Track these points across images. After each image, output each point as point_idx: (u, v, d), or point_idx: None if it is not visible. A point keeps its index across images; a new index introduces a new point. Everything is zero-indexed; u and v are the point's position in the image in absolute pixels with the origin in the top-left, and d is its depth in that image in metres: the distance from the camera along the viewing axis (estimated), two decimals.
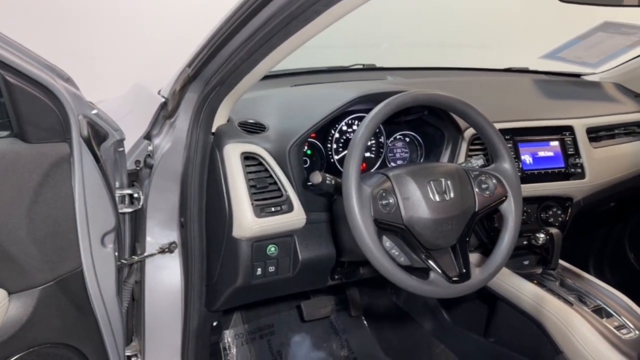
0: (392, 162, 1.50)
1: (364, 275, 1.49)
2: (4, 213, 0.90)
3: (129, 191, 1.24)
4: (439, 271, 1.11)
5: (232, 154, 1.20)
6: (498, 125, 1.27)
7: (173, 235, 1.31)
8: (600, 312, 1.35)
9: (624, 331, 1.29)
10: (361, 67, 1.95)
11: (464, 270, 1.14)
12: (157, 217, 1.29)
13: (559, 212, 1.58)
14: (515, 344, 1.49)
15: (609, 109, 1.77)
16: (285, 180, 1.24)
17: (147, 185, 1.26)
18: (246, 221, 1.17)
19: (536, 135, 1.56)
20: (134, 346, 1.38)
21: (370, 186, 1.09)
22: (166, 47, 1.86)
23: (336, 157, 1.41)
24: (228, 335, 1.77)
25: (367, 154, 1.47)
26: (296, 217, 1.23)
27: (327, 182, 1.14)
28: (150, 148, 1.28)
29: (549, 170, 1.55)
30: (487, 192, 1.19)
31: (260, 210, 1.19)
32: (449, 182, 1.15)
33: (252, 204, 1.18)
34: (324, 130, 1.37)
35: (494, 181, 1.20)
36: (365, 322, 1.92)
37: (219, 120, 1.24)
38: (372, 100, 1.30)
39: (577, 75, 2.14)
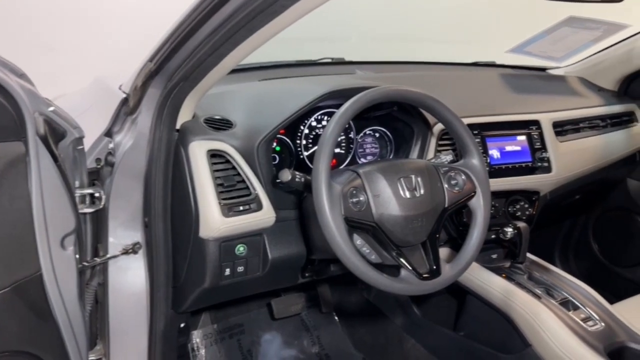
0: (362, 157, 1.48)
1: (334, 273, 1.47)
2: None
3: (90, 191, 1.19)
4: (410, 268, 1.10)
5: (198, 151, 1.17)
6: (466, 120, 1.27)
7: (137, 236, 1.27)
8: (567, 304, 1.37)
9: (590, 323, 1.31)
10: (330, 60, 1.92)
11: (434, 267, 1.14)
12: (120, 217, 1.25)
13: (526, 206, 1.59)
14: (484, 338, 1.50)
15: (574, 103, 1.80)
16: (253, 178, 1.21)
17: (109, 184, 1.21)
18: (213, 221, 1.14)
19: (503, 129, 1.57)
20: (98, 350, 1.34)
21: (340, 184, 1.07)
22: (128, 39, 1.79)
23: (306, 154, 1.39)
24: (196, 336, 1.73)
25: (337, 150, 1.45)
26: (265, 216, 1.20)
27: (297, 179, 1.12)
28: (111, 146, 1.23)
29: (516, 165, 1.56)
30: (457, 188, 1.19)
31: (228, 210, 1.16)
32: (419, 179, 1.14)
33: (220, 203, 1.15)
34: (293, 126, 1.35)
35: (463, 177, 1.20)
36: (336, 319, 1.91)
37: (184, 116, 1.20)
38: (342, 95, 1.28)
39: (543, 69, 2.17)
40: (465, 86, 1.80)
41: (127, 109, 1.22)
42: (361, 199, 1.08)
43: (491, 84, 1.85)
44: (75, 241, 1.08)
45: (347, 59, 1.97)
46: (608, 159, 1.81)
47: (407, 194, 1.11)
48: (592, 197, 2.08)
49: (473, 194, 1.20)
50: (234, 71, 1.58)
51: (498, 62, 2.19)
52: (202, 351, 1.71)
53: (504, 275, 1.47)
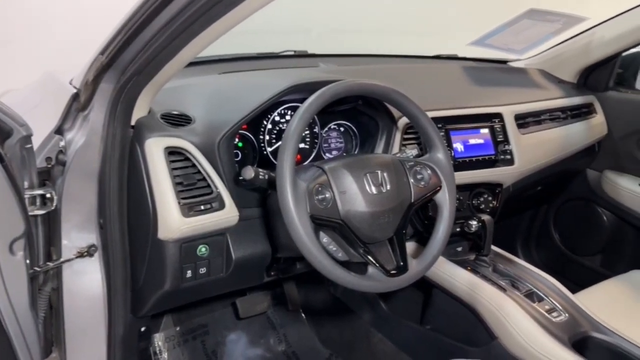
0: (327, 152, 1.46)
1: (300, 270, 1.44)
2: None
3: (40, 191, 1.12)
4: (377, 265, 1.08)
5: (155, 149, 1.11)
6: (430, 114, 1.26)
7: (92, 238, 1.21)
8: (531, 296, 1.38)
9: (554, 314, 1.33)
10: (292, 53, 1.89)
11: (402, 263, 1.13)
12: (74, 219, 1.18)
13: (490, 198, 1.60)
14: (450, 331, 1.50)
15: (535, 95, 1.81)
16: (215, 175, 1.16)
17: (61, 185, 1.15)
18: (173, 222, 1.09)
19: (467, 123, 1.57)
20: (54, 358, 1.27)
21: (305, 181, 1.04)
22: (79, 30, 1.71)
23: (269, 149, 1.35)
24: (158, 339, 1.68)
25: (302, 145, 1.42)
26: (228, 215, 1.16)
27: (261, 177, 1.08)
28: (62, 144, 1.16)
29: (480, 158, 1.56)
30: (422, 183, 1.18)
31: (189, 209, 1.11)
32: (385, 174, 1.12)
33: (179, 203, 1.10)
34: (255, 121, 1.31)
35: (429, 171, 1.19)
36: (303, 316, 1.89)
37: (139, 112, 1.14)
38: (305, 89, 1.24)
39: (504, 62, 2.19)
40: (429, 79, 1.79)
41: (78, 104, 1.16)
42: (327, 195, 1.06)
43: (454, 77, 1.85)
44: (25, 245, 1.02)
45: (310, 51, 1.94)
46: (568, 150, 1.83)
47: (374, 190, 1.10)
48: (553, 188, 2.12)
49: (439, 188, 1.20)
50: (192, 64, 1.54)
51: (460, 54, 2.19)
52: (165, 354, 1.66)
53: (469, 268, 1.48)
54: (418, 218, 1.53)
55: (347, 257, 1.12)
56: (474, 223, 1.46)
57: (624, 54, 1.91)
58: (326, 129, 1.45)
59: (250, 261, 1.26)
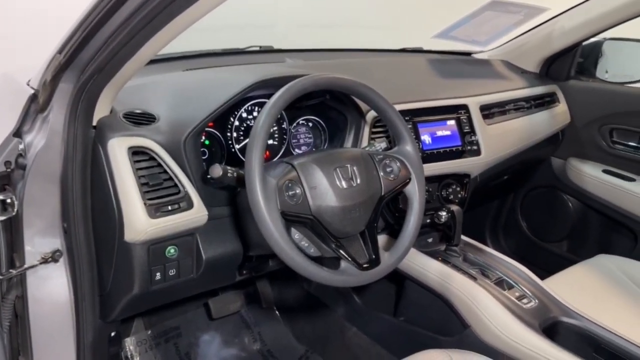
0: (296, 148, 1.45)
1: (273, 268, 1.43)
2: None
3: (0, 197, 1.08)
4: (349, 259, 1.08)
5: (118, 149, 1.08)
6: (398, 107, 1.26)
7: (56, 243, 1.17)
8: (502, 284, 1.40)
9: (524, 301, 1.35)
10: (258, 49, 1.87)
11: (374, 256, 1.13)
12: (36, 224, 1.15)
13: (458, 189, 1.62)
14: (424, 321, 1.52)
15: (500, 86, 1.84)
16: (182, 175, 1.14)
17: (21, 189, 1.11)
18: (139, 223, 1.07)
19: (434, 115, 1.58)
20: None
21: (275, 177, 1.03)
22: (35, 29, 1.65)
23: (237, 147, 1.33)
24: (129, 344, 1.64)
25: (270, 142, 1.40)
26: (197, 215, 1.14)
27: (229, 175, 1.06)
28: (21, 147, 1.12)
29: (447, 149, 1.58)
30: (392, 176, 1.18)
31: (155, 210, 1.08)
32: (355, 168, 1.12)
33: (145, 204, 1.07)
34: (222, 118, 1.29)
35: (398, 164, 1.19)
36: (277, 313, 1.88)
37: (100, 112, 1.11)
38: (272, 85, 1.23)
39: (468, 54, 2.21)
40: (395, 72, 1.80)
41: (37, 106, 1.12)
42: (297, 191, 1.05)
43: (420, 70, 1.86)
44: None
45: (276, 47, 1.92)
46: (533, 139, 1.87)
47: (344, 184, 1.09)
48: (519, 176, 2.16)
49: (408, 180, 1.20)
50: (154, 61, 1.51)
51: (425, 47, 2.21)
52: (137, 359, 1.62)
53: (439, 258, 1.49)
54: (388, 211, 1.54)
55: (319, 253, 1.12)
56: (443, 214, 1.47)
57: (584, 43, 1.96)
58: (294, 124, 1.44)
59: (221, 261, 1.24)
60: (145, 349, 1.65)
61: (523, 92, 1.87)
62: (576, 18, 1.85)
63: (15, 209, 1.11)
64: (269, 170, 1.06)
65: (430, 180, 1.58)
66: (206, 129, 1.27)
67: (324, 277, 1.04)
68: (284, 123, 1.41)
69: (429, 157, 1.53)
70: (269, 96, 1.32)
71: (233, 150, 1.33)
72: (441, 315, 1.44)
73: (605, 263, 1.71)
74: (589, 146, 2.00)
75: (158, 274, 1.16)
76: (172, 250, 1.15)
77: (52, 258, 1.16)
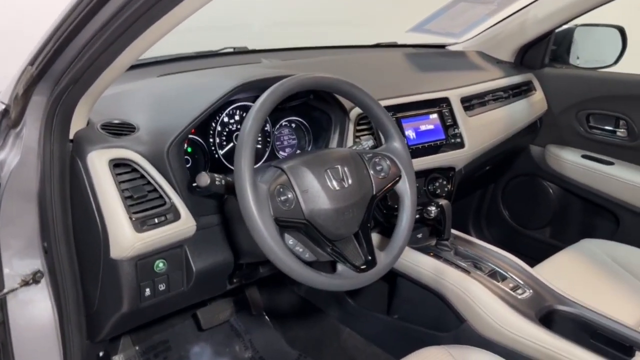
0: (280, 150, 1.41)
1: (263, 274, 1.40)
2: None
3: None
4: (346, 262, 1.06)
5: (98, 162, 1.03)
6: (381, 103, 1.24)
7: (36, 264, 1.11)
8: (495, 275, 1.40)
9: (519, 291, 1.35)
10: (232, 50, 1.82)
11: (369, 257, 1.11)
12: (14, 245, 1.09)
13: (445, 182, 1.61)
14: (419, 318, 1.50)
15: (477, 77, 1.84)
16: (166, 185, 1.09)
17: None
18: (125, 239, 1.02)
19: (416, 109, 1.57)
20: None
21: (265, 183, 1.00)
22: (3, 41, 1.57)
23: (221, 152, 1.29)
24: None
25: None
26: (184, 226, 1.10)
27: (217, 182, 1.03)
28: None
29: (432, 143, 1.56)
30: (382, 174, 1.16)
31: (141, 224, 1.04)
32: (345, 169, 1.10)
33: (131, 218, 1.03)
34: (203, 124, 1.24)
35: (388, 162, 1.17)
36: (267, 319, 1.84)
37: (77, 124, 1.06)
38: (254, 87, 1.19)
39: (442, 46, 2.21)
40: (374, 68, 1.78)
41: (8, 121, 1.06)
42: (289, 196, 1.02)
43: (398, 65, 1.85)
44: None
45: (250, 47, 1.88)
46: (513, 128, 1.87)
47: (336, 186, 1.07)
48: (500, 166, 2.17)
49: (398, 178, 1.18)
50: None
51: (399, 42, 2.20)
52: None
53: (431, 253, 1.48)
54: (377, 209, 1.52)
55: (314, 257, 1.09)
56: (432, 209, 1.46)
57: (557, 30, 1.97)
58: (277, 126, 1.40)
59: (212, 271, 1.20)
60: None
61: (500, 82, 1.87)
62: (548, 6, 1.86)
63: None
64: (258, 176, 1.02)
65: (416, 175, 1.54)
66: (189, 136, 1.23)
67: (322, 282, 1.02)
68: (267, 125, 1.37)
69: (414, 152, 1.52)
70: (251, 99, 1.29)
71: (217, 156, 1.29)
72: (436, 311, 1.43)
73: (590, 247, 1.72)
74: (566, 132, 2.02)
75: (147, 289, 1.11)
76: (161, 264, 1.11)
77: (33, 279, 1.10)
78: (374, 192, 1.14)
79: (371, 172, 1.15)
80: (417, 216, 1.52)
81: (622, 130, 1.89)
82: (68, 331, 1.13)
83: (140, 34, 0.82)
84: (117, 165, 1.05)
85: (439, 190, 1.59)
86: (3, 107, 1.06)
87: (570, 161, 2.00)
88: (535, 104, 1.97)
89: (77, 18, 0.83)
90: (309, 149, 1.43)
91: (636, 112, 1.82)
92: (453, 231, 1.56)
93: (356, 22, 2.68)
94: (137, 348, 1.63)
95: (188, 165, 1.25)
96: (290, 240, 1.06)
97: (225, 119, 1.30)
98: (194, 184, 1.11)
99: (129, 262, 1.06)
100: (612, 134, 1.92)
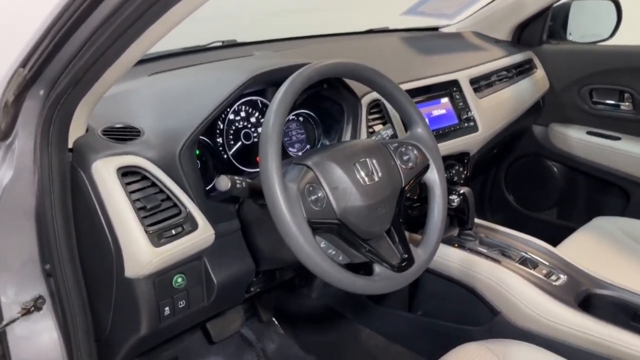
0: (289, 147, 1.32)
1: (279, 281, 1.31)
2: None
3: None
4: (383, 262, 0.98)
5: (105, 172, 0.92)
6: None
7: (37, 288, 0.99)
8: (526, 263, 1.33)
9: (553, 277, 1.29)
10: (220, 44, 1.71)
11: (406, 255, 1.03)
12: (10, 269, 0.97)
13: (461, 169, 1.54)
14: (446, 313, 1.43)
15: (480, 57, 1.77)
16: (180, 192, 0.99)
17: None
18: (143, 255, 0.91)
19: (427, 94, 1.49)
20: None
21: (294, 182, 0.91)
22: None
23: (230, 152, 1.19)
24: None
25: None
26: (203, 235, 1.00)
27: (238, 186, 0.93)
28: None
29: (446, 129, 1.49)
30: (410, 164, 1.08)
31: (158, 237, 0.93)
32: (374, 161, 1.01)
33: (147, 232, 0.92)
34: (210, 125, 1.15)
35: (415, 151, 1.09)
36: (278, 325, 1.75)
37: (76, 131, 0.94)
38: (263, 81, 1.10)
39: (435, 29, 2.14)
40: (373, 54, 1.69)
41: None
42: (319, 195, 0.93)
43: (398, 50, 1.77)
44: None
45: (239, 40, 1.77)
46: (521, 108, 1.82)
47: (366, 180, 0.98)
48: (504, 149, 2.12)
49: (427, 167, 1.10)
50: None
51: (391, 27, 2.11)
52: None
53: (455, 245, 1.41)
54: None
55: (348, 260, 1.01)
56: (455, 197, 1.39)
57: (554, 5, 1.92)
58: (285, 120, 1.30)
59: (233, 282, 1.10)
60: None
61: (503, 62, 1.81)
62: None
63: None
64: (284, 175, 0.93)
65: None
66: None
67: (362, 286, 0.93)
68: None
69: None
70: (258, 93, 1.18)
71: (225, 157, 1.19)
72: (466, 305, 1.36)
73: (605, 225, 1.68)
74: (570, 110, 1.97)
75: (167, 308, 1.01)
76: (180, 279, 1.01)
77: (34, 306, 0.98)
78: (403, 185, 1.06)
79: (398, 162, 1.07)
80: None
81: (627, 103, 1.85)
82: (77, 359, 1.02)
83: (154, 22, 0.72)
84: (126, 174, 0.95)
85: (456, 178, 1.52)
86: None
87: (576, 139, 1.96)
88: (538, 82, 1.92)
89: (77, 9, 0.72)
90: (321, 143, 1.34)
91: None
92: (476, 220, 1.49)
93: (340, 8, 2.59)
94: None
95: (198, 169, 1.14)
96: (323, 243, 0.97)
97: (232, 117, 1.20)
98: (209, 188, 1.02)
99: (147, 281, 0.95)
100: (617, 108, 1.88)
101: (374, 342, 1.60)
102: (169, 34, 0.82)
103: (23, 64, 0.83)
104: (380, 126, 1.34)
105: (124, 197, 0.92)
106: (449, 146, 1.49)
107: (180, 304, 1.03)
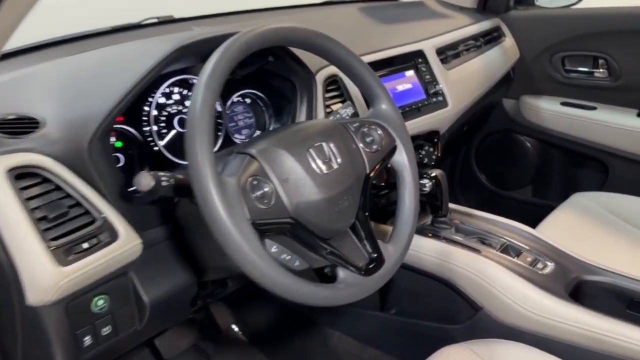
0: (235, 134, 1.13)
1: (232, 289, 1.14)
2: None
3: None
4: (347, 265, 0.82)
5: None
6: None
7: None
8: (507, 250, 1.20)
9: (539, 265, 1.15)
10: (156, 21, 1.50)
11: (375, 254, 0.87)
12: None
13: (431, 149, 1.38)
14: (422, 311, 1.29)
15: (446, 25, 1.62)
16: (93, 195, 0.80)
17: None
18: (46, 277, 0.72)
19: (391, 66, 1.33)
20: None
21: (233, 175, 0.73)
22: None
23: (161, 143, 1.00)
24: None
25: None
26: (126, 246, 0.81)
27: (164, 183, 0.74)
28: None
29: (413, 106, 1.33)
30: (375, 146, 0.92)
31: (65, 254, 0.74)
32: (331, 145, 0.85)
33: (49, 247, 0.73)
34: (132, 109, 0.95)
35: (379, 131, 0.93)
36: (240, 334, 1.57)
37: None
38: (195, 53, 0.91)
39: None
40: (332, 26, 1.50)
41: None
42: (266, 189, 0.75)
43: (357, 20, 1.59)
44: None
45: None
46: (491, 80, 1.68)
47: (323, 168, 0.81)
48: (474, 126, 1.98)
49: (394, 148, 0.94)
50: (16, 54, 1.11)
51: None
52: None
53: (429, 234, 1.26)
54: None
55: (306, 265, 0.84)
56: (426, 182, 1.23)
57: None
58: (229, 103, 1.12)
59: (171, 298, 0.92)
60: None
61: (470, 30, 1.66)
62: None
63: None
64: (219, 168, 0.75)
65: None
66: (114, 125, 0.93)
67: (325, 297, 0.78)
68: (217, 103, 1.09)
69: None
70: (190, 71, 1.00)
71: (156, 149, 1.00)
72: (443, 301, 1.21)
73: (584, 202, 1.56)
74: (542, 80, 1.84)
75: (87, 337, 0.82)
76: (101, 302, 0.82)
77: None
78: (368, 171, 0.90)
79: (361, 145, 0.90)
80: None
81: (602, 70, 1.73)
82: None
83: None
84: (21, 176, 0.75)
85: (426, 159, 1.36)
86: None
87: (549, 110, 1.83)
88: (508, 51, 1.77)
89: None
90: (272, 128, 1.17)
91: (616, 49, 1.66)
92: (450, 205, 1.34)
93: None
94: None
95: (120, 165, 0.95)
96: (274, 248, 0.80)
97: (162, 100, 1.01)
98: (131, 189, 0.83)
99: (56, 307, 0.77)
100: (591, 76, 1.75)
101: (346, 346, 1.44)
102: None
103: None
104: (340, 105, 1.16)
105: (17, 206, 0.72)
106: (417, 124, 1.34)
107: (105, 331, 0.84)
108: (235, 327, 1.57)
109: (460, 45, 1.57)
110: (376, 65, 1.29)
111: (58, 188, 0.77)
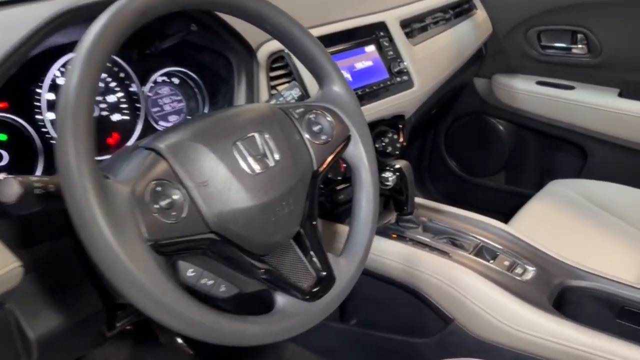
0: (160, 121, 0.94)
1: None
2: None
3: None
4: (289, 288, 0.65)
5: None
6: None
7: None
8: (482, 253, 1.05)
9: (518, 270, 1.01)
10: None
11: (324, 272, 0.70)
12: None
13: (395, 137, 1.22)
14: (386, 323, 1.14)
15: None
16: None
17: None
18: None
19: (347, 41, 1.15)
20: None
21: (126, 182, 0.55)
22: None
23: None
24: None
25: (118, 117, 0.89)
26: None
27: (38, 191, 0.55)
28: None
29: (374, 86, 1.16)
30: (323, 136, 0.75)
31: None
32: (266, 136, 0.67)
33: None
34: (20, 93, 0.76)
35: (328, 117, 0.76)
36: (184, 345, 1.39)
37: None
38: (87, 18, 0.72)
39: None
40: None
41: None
42: (175, 197, 0.58)
43: None
44: None
45: None
46: (462, 57, 1.50)
47: (256, 167, 0.64)
48: (443, 108, 1.82)
49: (348, 138, 0.77)
50: None
51: None
52: None
53: (394, 235, 1.10)
54: None
55: (235, 289, 0.66)
56: (389, 175, 1.07)
57: None
58: (150, 84, 0.93)
59: (69, 330, 0.74)
60: None
61: (438, 0, 1.48)
62: None
63: None
64: (112, 169, 0.58)
65: None
66: None
67: (256, 334, 0.61)
68: (133, 85, 0.90)
69: None
70: None
71: (53, 142, 0.80)
72: (410, 311, 1.07)
73: (562, 191, 1.44)
74: (516, 57, 1.69)
75: None
76: None
77: None
78: (316, 167, 0.73)
79: (306, 135, 0.73)
80: None
81: (580, 46, 1.58)
82: None
83: None
84: None
85: (390, 148, 1.19)
86: None
87: (523, 90, 1.69)
88: (480, 25, 1.61)
89: None
90: (203, 113, 0.98)
91: (597, 23, 1.51)
92: (416, 200, 1.18)
93: None
94: None
95: (3, 164, 0.75)
96: (190, 271, 0.62)
97: (61, 81, 0.81)
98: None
99: None
100: (569, 52, 1.61)
101: None
102: None
103: None
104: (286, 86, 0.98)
105: None
106: (379, 108, 1.16)
107: None
108: (179, 339, 1.39)
109: (427, 18, 1.39)
110: (330, 40, 1.11)
111: None
